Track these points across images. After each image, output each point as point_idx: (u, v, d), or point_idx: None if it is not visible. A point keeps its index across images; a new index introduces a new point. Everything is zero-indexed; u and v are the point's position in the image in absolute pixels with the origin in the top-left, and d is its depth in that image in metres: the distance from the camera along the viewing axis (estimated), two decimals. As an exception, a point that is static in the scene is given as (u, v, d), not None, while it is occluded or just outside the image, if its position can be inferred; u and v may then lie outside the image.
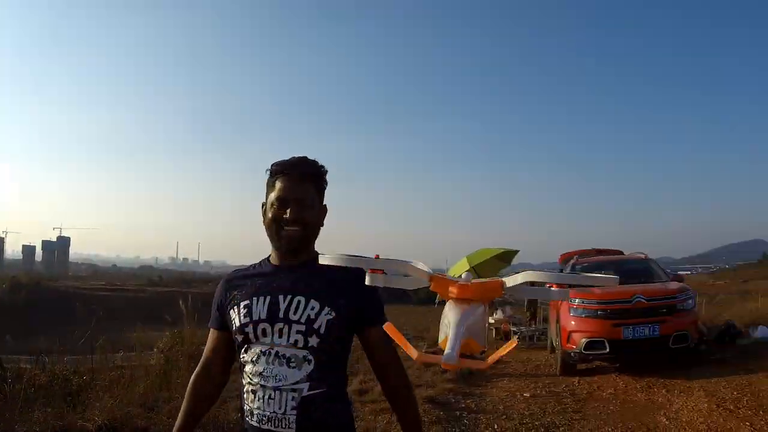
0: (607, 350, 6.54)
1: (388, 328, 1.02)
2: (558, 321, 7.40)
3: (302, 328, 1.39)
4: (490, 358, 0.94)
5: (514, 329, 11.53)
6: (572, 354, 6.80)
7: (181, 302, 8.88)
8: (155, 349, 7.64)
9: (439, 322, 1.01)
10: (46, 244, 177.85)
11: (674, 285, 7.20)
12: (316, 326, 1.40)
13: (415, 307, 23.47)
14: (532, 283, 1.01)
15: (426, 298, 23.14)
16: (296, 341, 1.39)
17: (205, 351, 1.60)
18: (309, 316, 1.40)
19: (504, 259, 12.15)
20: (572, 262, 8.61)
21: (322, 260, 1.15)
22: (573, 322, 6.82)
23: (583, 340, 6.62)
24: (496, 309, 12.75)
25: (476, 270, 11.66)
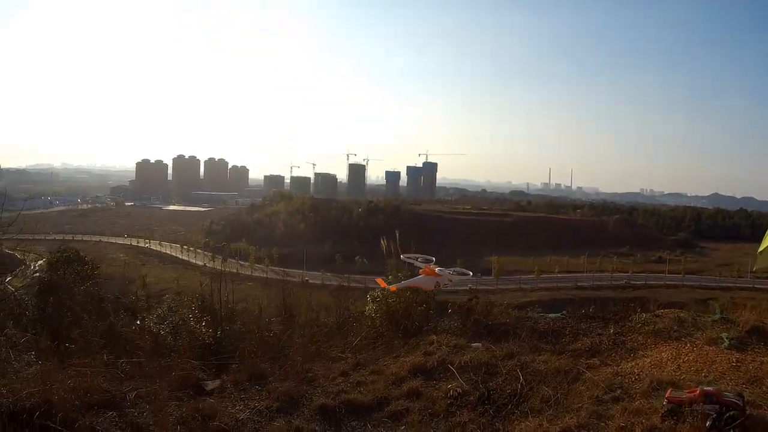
0: None
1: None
2: None
3: None
4: None
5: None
6: None
7: (383, 240, 8.65)
8: (368, 297, 10.37)
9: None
10: (410, 170, 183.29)
11: None
12: None
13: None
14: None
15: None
16: None
17: None
18: None
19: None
20: None
21: None
22: None
23: None
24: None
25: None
